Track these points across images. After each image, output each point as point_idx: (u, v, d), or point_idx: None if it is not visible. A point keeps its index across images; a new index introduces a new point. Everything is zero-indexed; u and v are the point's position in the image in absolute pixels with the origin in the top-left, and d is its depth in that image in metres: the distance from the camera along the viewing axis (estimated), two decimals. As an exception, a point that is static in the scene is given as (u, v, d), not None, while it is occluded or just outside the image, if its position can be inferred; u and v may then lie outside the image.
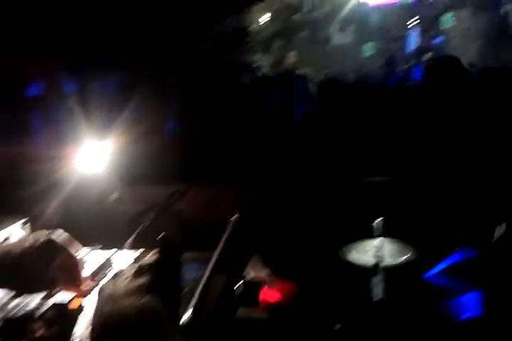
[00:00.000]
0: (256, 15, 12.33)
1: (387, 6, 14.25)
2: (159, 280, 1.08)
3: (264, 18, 12.66)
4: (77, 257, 1.43)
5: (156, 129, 2.47)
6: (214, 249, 1.57)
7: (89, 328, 1.01)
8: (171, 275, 1.13)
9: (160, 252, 1.15)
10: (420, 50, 14.45)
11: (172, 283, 1.12)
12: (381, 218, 1.74)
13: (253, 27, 12.08)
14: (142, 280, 1.07)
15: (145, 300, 1.01)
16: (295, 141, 2.67)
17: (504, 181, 1.73)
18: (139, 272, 1.10)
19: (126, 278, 1.09)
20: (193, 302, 1.20)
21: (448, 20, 14.35)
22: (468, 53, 13.12)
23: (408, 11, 14.76)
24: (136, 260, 1.50)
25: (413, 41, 14.87)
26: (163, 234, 1.18)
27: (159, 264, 1.12)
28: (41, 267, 1.32)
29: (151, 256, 1.17)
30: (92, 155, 1.96)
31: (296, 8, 13.56)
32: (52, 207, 1.95)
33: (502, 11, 11.98)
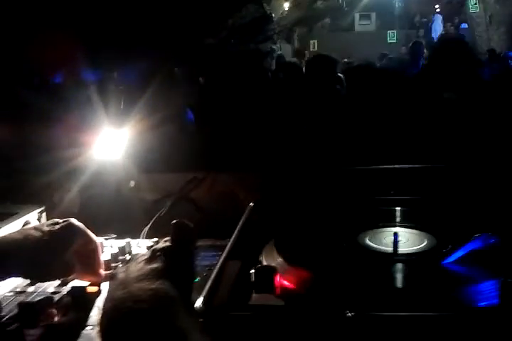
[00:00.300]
0: (276, 3, 12.23)
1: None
2: (172, 265, 1.07)
3: (286, 5, 12.56)
4: (97, 242, 1.43)
5: (174, 117, 2.48)
6: (231, 235, 1.57)
7: (101, 313, 1.00)
8: (184, 261, 1.12)
9: (173, 238, 1.15)
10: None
11: (185, 269, 1.11)
12: (404, 207, 1.72)
13: (274, 15, 11.99)
14: (154, 265, 1.06)
15: (157, 284, 1.00)
16: (315, 128, 2.66)
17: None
18: (152, 257, 1.10)
19: (138, 264, 1.09)
20: (207, 288, 1.20)
21: (473, 6, 14.10)
22: (493, 40, 12.88)
23: (432, -3, 14.54)
24: (150, 247, 1.51)
25: (437, 28, 14.65)
26: (176, 220, 1.17)
27: (172, 250, 1.11)
28: (60, 253, 1.32)
29: (164, 242, 1.16)
30: (110, 143, 1.97)
31: (317, -4, 13.42)
32: (70, 195, 1.97)
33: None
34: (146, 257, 1.12)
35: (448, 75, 2.75)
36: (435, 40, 14.34)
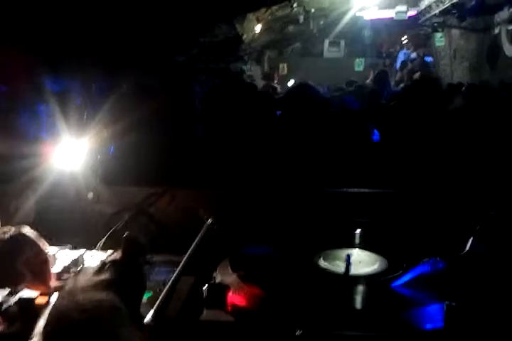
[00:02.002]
0: (249, 25, 12.38)
1: (381, 21, 14.42)
2: (120, 277, 1.07)
3: (258, 28, 12.72)
4: (48, 253, 1.42)
5: (136, 130, 2.47)
6: (186, 251, 1.57)
7: (45, 321, 0.99)
8: (132, 274, 1.12)
9: (122, 251, 1.15)
10: (410, 69, 14.63)
11: (133, 282, 1.11)
12: (359, 229, 1.75)
13: (246, 36, 12.14)
14: (102, 276, 1.06)
15: (103, 295, 1.00)
16: (275, 146, 2.68)
17: (475, 193, 1.76)
18: (101, 269, 1.10)
19: (87, 275, 1.09)
20: (158, 302, 1.20)
21: (439, 39, 14.56)
22: (456, 74, 13.31)
23: (401, 28, 14.96)
24: (108, 258, 1.50)
25: (404, 59, 15.06)
26: (127, 234, 1.18)
27: (121, 262, 1.12)
28: (9, 261, 1.30)
29: (114, 255, 1.16)
30: (70, 153, 1.96)
31: (289, 21, 13.65)
32: (27, 204, 1.94)
33: (492, 33, 12.17)
34: (94, 269, 1.12)
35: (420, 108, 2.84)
36: (397, 69, 14.76)
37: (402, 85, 9.30)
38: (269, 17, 12.69)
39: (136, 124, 2.41)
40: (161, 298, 1.22)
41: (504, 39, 11.59)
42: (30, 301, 1.31)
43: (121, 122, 2.32)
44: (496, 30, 12.01)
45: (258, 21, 12.48)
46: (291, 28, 14.11)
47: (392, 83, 10.13)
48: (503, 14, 11.58)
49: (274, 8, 12.26)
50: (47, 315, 1.01)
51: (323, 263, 1.52)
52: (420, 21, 14.70)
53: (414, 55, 14.90)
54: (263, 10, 12.01)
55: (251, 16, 11.98)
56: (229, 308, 1.23)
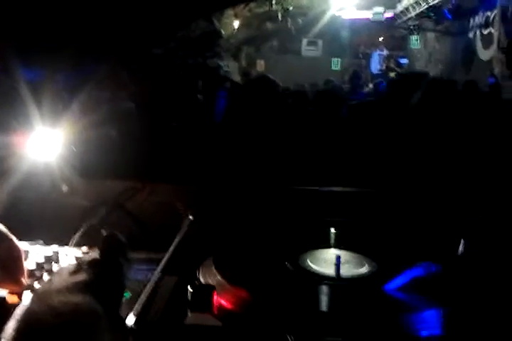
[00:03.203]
0: (227, 21, 12.30)
1: (359, 22, 14.49)
2: (98, 278, 0.99)
3: (236, 24, 12.64)
4: (21, 249, 1.32)
5: (114, 122, 2.39)
6: (167, 249, 1.49)
7: (16, 326, 0.91)
8: (111, 275, 1.04)
9: (101, 250, 1.07)
10: (385, 69, 14.75)
11: (113, 283, 1.03)
12: (337, 229, 1.70)
13: (224, 32, 12.04)
14: (79, 278, 0.98)
15: (79, 298, 0.92)
16: (254, 143, 2.63)
17: (469, 195, 1.72)
18: (77, 270, 1.01)
19: (62, 276, 1.01)
20: (139, 304, 1.12)
21: (414, 42, 14.72)
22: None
23: (378, 29, 15.06)
24: (79, 258, 1.41)
25: (379, 59, 15.17)
26: (107, 231, 1.09)
27: (100, 263, 1.03)
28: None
29: (91, 254, 1.08)
30: (45, 143, 1.86)
31: (267, 18, 13.60)
32: (-3, 196, 1.84)
33: (467, 36, 12.33)
34: (70, 269, 1.04)
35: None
36: (372, 71, 14.89)
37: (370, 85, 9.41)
38: (248, 13, 12.64)
39: (114, 115, 2.33)
40: (142, 299, 1.14)
41: (478, 43, 11.76)
42: (0, 299, 1.23)
43: (98, 113, 2.23)
44: (471, 34, 12.18)
45: (236, 17, 12.41)
46: (269, 25, 14.07)
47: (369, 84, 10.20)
48: (478, 18, 11.75)
49: (253, 4, 12.22)
50: (17, 320, 0.92)
51: (311, 264, 1.46)
52: (397, 23, 14.84)
53: (386, 55, 15.05)
54: (241, 6, 11.95)
55: (229, 12, 11.90)
56: (215, 311, 1.16)
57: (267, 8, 12.63)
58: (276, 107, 3.24)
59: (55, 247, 1.56)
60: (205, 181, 2.12)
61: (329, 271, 1.40)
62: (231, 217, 1.79)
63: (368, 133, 3.06)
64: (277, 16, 12.96)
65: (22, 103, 2.26)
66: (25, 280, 1.30)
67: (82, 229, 1.73)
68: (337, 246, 1.62)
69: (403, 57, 15.51)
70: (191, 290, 1.18)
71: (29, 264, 1.40)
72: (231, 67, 13.01)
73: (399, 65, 14.84)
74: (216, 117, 3.71)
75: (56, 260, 1.50)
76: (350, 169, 2.44)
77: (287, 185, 1.92)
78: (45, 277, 1.37)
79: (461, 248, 1.36)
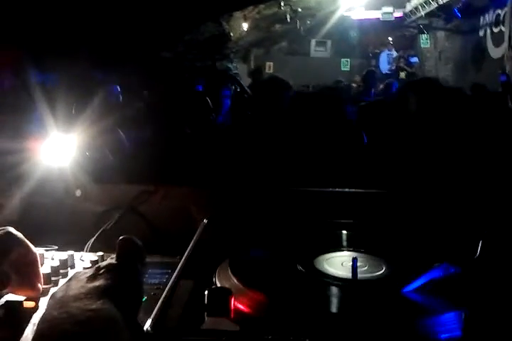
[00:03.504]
0: (235, 23, 12.32)
1: (368, 22, 14.45)
2: (116, 284, 0.98)
3: (245, 26, 12.66)
4: (36, 254, 1.32)
5: (127, 126, 2.39)
6: (182, 252, 1.49)
7: (36, 332, 0.90)
8: (130, 280, 1.03)
9: (118, 255, 1.06)
10: (395, 69, 14.70)
11: (131, 288, 1.02)
12: (353, 231, 1.69)
13: (233, 34, 12.05)
14: (97, 283, 0.97)
15: (98, 304, 0.91)
16: (266, 145, 2.63)
17: (487, 195, 1.70)
18: (95, 275, 1.00)
19: (79, 281, 1.00)
20: (156, 309, 1.11)
21: (424, 41, 14.66)
22: (441, 75, 13.39)
23: (387, 29, 15.01)
24: (95, 263, 1.41)
25: (388, 59, 15.12)
26: (123, 236, 1.09)
27: (117, 267, 1.02)
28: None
29: (109, 259, 1.07)
30: (58, 149, 1.87)
31: (276, 19, 13.61)
32: (11, 202, 1.84)
33: (477, 35, 12.26)
34: (88, 274, 1.03)
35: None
36: (382, 70, 14.83)
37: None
38: (256, 15, 12.64)
39: (127, 120, 2.33)
40: (159, 304, 1.13)
41: (489, 41, 11.69)
42: (17, 304, 1.22)
43: (111, 117, 2.24)
44: (481, 33, 12.11)
45: (245, 19, 12.41)
46: (278, 26, 14.07)
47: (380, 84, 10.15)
48: (488, 17, 11.68)
49: (262, 6, 12.22)
50: (37, 326, 0.92)
51: (325, 266, 1.45)
52: (406, 23, 14.78)
53: (395, 55, 14.99)
54: (250, 8, 11.96)
55: (238, 14, 11.91)
56: (232, 315, 1.15)
57: (275, 10, 12.63)
58: (286, 108, 3.24)
59: (70, 252, 1.56)
60: (220, 184, 2.11)
61: (346, 273, 1.39)
62: (246, 220, 1.79)
63: (378, 134, 3.04)
64: (286, 18, 12.95)
65: (35, 108, 2.27)
66: (41, 286, 1.30)
67: (96, 234, 1.74)
68: (353, 248, 1.60)
69: (413, 56, 15.45)
70: (208, 294, 1.17)
71: (44, 269, 1.40)
72: (240, 69, 13.02)
73: (409, 64, 14.79)
74: (221, 117, 3.71)
75: (72, 264, 1.50)
76: (362, 170, 2.43)
77: (300, 186, 1.91)
78: (61, 282, 1.37)
79: (480, 249, 1.34)
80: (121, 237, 1.09)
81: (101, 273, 1.00)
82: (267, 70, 14.18)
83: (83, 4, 4.98)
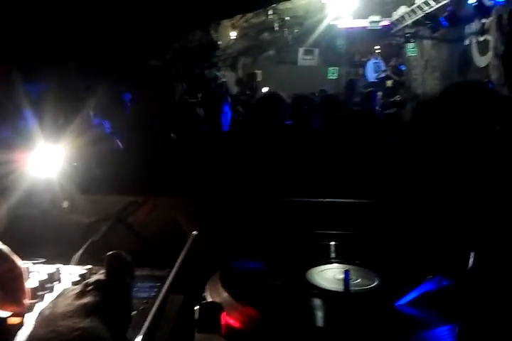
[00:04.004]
0: (223, 32, 12.35)
1: (355, 30, 14.55)
2: (105, 301, 0.96)
3: (233, 34, 12.69)
4: (22, 269, 1.29)
5: (115, 136, 2.37)
6: (171, 265, 1.46)
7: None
8: (118, 296, 1.00)
9: (107, 271, 1.03)
10: (382, 77, 14.79)
11: (120, 305, 0.99)
12: (344, 243, 1.68)
13: (221, 43, 12.08)
14: (85, 300, 0.95)
15: (86, 322, 0.88)
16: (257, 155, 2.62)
17: (479, 207, 1.70)
18: (83, 292, 0.98)
19: (67, 298, 0.97)
20: (146, 325, 1.09)
21: (411, 50, 14.78)
22: (427, 83, 13.49)
23: (374, 37, 15.12)
24: (83, 277, 1.38)
25: (375, 67, 15.22)
26: (112, 251, 1.06)
27: (106, 284, 1.00)
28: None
29: (98, 275, 1.05)
30: (46, 160, 1.84)
31: (263, 28, 13.67)
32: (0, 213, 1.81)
33: (463, 44, 12.37)
34: (76, 291, 1.00)
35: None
36: (368, 79, 14.94)
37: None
38: (245, 24, 12.68)
39: (115, 130, 2.31)
40: (149, 320, 1.11)
41: (475, 50, 11.80)
42: (1, 321, 1.19)
43: (99, 128, 2.21)
44: (467, 41, 12.22)
45: (233, 28, 12.45)
46: (266, 35, 14.13)
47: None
48: (474, 26, 11.80)
49: (250, 15, 12.26)
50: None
51: (317, 279, 1.43)
52: (393, 31, 14.91)
53: (382, 64, 15.11)
54: (238, 17, 12.00)
55: (226, 23, 11.94)
56: (223, 331, 1.13)
57: (263, 19, 12.68)
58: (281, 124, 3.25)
59: (57, 265, 1.53)
60: (209, 194, 2.09)
61: (338, 286, 1.38)
62: (237, 231, 1.77)
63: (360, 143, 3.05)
64: (274, 26, 13.01)
65: (23, 119, 2.24)
66: (27, 301, 1.27)
67: (84, 246, 1.71)
68: (345, 260, 1.59)
69: (401, 64, 15.56)
70: (198, 310, 1.15)
71: (31, 283, 1.37)
72: (228, 78, 13.04)
73: (398, 72, 14.89)
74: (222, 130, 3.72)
75: (59, 278, 1.47)
76: (351, 180, 2.42)
77: (290, 197, 1.89)
78: (47, 296, 1.35)
79: (472, 261, 1.33)
80: (109, 252, 1.07)
81: (89, 290, 0.98)
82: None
83: (71, 13, 4.96)
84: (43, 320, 0.92)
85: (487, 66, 10.55)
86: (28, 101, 2.34)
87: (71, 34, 4.60)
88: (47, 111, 2.27)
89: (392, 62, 15.33)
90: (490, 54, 10.34)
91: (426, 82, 14.02)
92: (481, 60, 11.39)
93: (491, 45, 10.25)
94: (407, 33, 14.34)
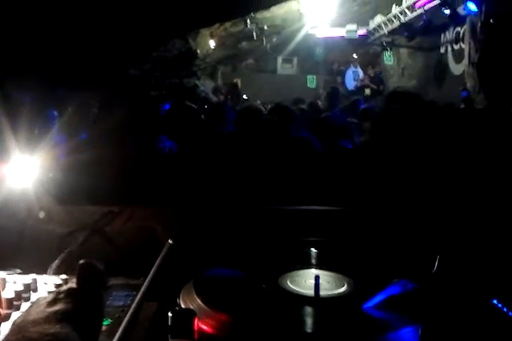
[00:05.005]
0: (202, 40, 12.39)
1: (332, 39, 14.71)
2: (76, 308, 0.98)
3: (211, 43, 12.74)
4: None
5: (90, 146, 2.39)
6: (147, 274, 1.49)
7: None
8: (90, 304, 1.03)
9: (78, 280, 1.06)
10: (360, 85, 14.95)
11: (91, 312, 1.02)
12: (322, 249, 1.72)
13: (200, 52, 12.12)
14: (56, 307, 0.98)
15: (56, 328, 0.91)
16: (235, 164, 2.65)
17: (443, 212, 1.75)
18: (55, 300, 1.01)
19: (39, 306, 1.00)
20: (119, 332, 1.11)
21: (387, 58, 14.99)
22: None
23: (352, 46, 15.31)
24: (59, 287, 1.40)
25: (354, 76, 15.39)
26: (83, 260, 1.09)
27: (77, 292, 1.03)
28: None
29: (69, 284, 1.08)
30: (21, 170, 1.86)
31: (242, 37, 13.75)
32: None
33: (439, 52, 12.58)
34: (48, 299, 1.03)
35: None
36: (347, 86, 15.09)
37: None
38: (223, 33, 12.75)
39: (90, 140, 2.33)
40: (122, 327, 1.14)
41: (450, 58, 12.02)
42: (-24, 331, 1.21)
43: (74, 137, 2.23)
44: (443, 50, 12.45)
45: (212, 37, 12.51)
46: (244, 44, 14.21)
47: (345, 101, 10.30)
48: (449, 34, 12.03)
49: (228, 24, 12.34)
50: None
51: (290, 284, 1.47)
52: (370, 40, 15.11)
53: (360, 72, 15.29)
54: (217, 25, 12.06)
55: (205, 31, 12.00)
56: (196, 336, 1.16)
57: (242, 28, 12.77)
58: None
59: (33, 275, 1.55)
60: (185, 203, 2.12)
61: (308, 291, 1.42)
62: (210, 240, 1.80)
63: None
64: (252, 35, 13.09)
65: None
66: (2, 311, 1.29)
67: (60, 256, 1.72)
68: (316, 266, 1.63)
69: (379, 73, 15.76)
70: (171, 316, 1.18)
71: (6, 293, 1.38)
72: (207, 86, 13.08)
73: (376, 81, 15.07)
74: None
75: (35, 288, 1.49)
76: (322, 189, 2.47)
77: (263, 204, 1.93)
78: (24, 306, 1.36)
79: (436, 265, 1.38)
80: (80, 261, 1.10)
81: (60, 298, 1.00)
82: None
83: (50, 22, 4.96)
84: (14, 327, 0.95)
85: (463, 74, 10.74)
86: (3, 112, 2.36)
87: (47, 44, 4.60)
88: (22, 122, 2.29)
89: (370, 71, 15.51)
90: (465, 62, 10.53)
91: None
92: (456, 68, 11.61)
93: (466, 53, 10.45)
94: (384, 42, 14.55)
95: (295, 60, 16.19)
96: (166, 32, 9.31)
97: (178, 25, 9.17)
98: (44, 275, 1.59)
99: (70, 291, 1.03)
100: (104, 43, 6.67)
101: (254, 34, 13.05)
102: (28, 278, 1.49)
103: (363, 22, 14.17)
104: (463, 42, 10.94)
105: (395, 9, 12.58)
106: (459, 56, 11.38)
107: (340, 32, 14.15)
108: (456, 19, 10.92)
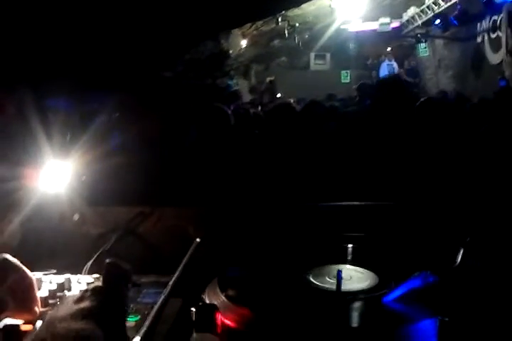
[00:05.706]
0: (234, 40, 12.45)
1: (365, 33, 14.55)
2: (100, 305, 1.04)
3: (244, 43, 12.79)
4: (32, 278, 1.38)
5: (121, 150, 2.45)
6: (175, 272, 1.54)
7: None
8: (114, 301, 1.09)
9: (103, 278, 1.12)
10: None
11: (115, 309, 1.08)
12: (348, 244, 1.73)
13: (232, 51, 12.19)
14: (82, 305, 1.03)
15: (81, 324, 0.97)
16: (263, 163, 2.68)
17: (467, 205, 1.74)
18: (81, 297, 1.07)
19: (67, 304, 1.06)
20: (145, 327, 1.16)
21: (422, 50, 14.73)
22: (441, 82, 13.41)
23: (385, 39, 15.10)
24: (89, 285, 1.46)
25: (389, 69, 15.18)
26: (109, 260, 1.15)
27: (102, 290, 1.09)
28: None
29: (96, 282, 1.14)
30: (54, 175, 1.93)
31: (274, 35, 13.74)
32: (10, 228, 1.90)
33: (475, 41, 12.31)
34: (76, 297, 1.09)
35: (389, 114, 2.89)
36: (383, 81, 14.86)
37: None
38: (255, 32, 12.77)
39: (121, 144, 2.39)
40: (147, 322, 1.19)
41: (487, 47, 11.73)
42: (15, 327, 1.28)
43: (106, 142, 2.30)
44: (479, 39, 12.16)
45: (243, 36, 12.55)
46: (276, 42, 14.20)
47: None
48: (485, 23, 11.74)
49: (259, 23, 12.34)
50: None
51: (313, 280, 1.49)
52: (403, 32, 14.88)
53: (395, 65, 15.07)
54: (248, 25, 12.08)
55: (236, 31, 12.05)
56: (219, 331, 1.20)
57: (273, 26, 12.76)
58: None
59: (67, 275, 1.61)
60: (213, 202, 2.16)
61: (331, 286, 1.44)
62: (236, 239, 1.84)
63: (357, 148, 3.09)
64: (284, 33, 13.06)
65: (32, 136, 2.33)
66: (38, 309, 1.35)
67: (94, 256, 1.79)
68: (339, 260, 1.65)
69: (414, 65, 15.51)
70: (195, 311, 1.22)
71: (42, 292, 1.45)
72: (241, 85, 13.14)
73: (412, 73, 14.84)
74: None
75: (69, 287, 1.56)
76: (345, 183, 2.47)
77: (285, 203, 1.96)
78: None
79: (458, 258, 1.38)
80: (107, 261, 1.15)
81: (86, 296, 1.06)
82: (268, 85, 14.28)
83: (81, 26, 5.06)
84: (44, 323, 1.01)
85: (500, 63, 10.48)
86: (37, 117, 2.44)
87: (80, 48, 4.69)
88: (55, 127, 2.37)
89: (406, 64, 15.27)
90: (502, 50, 10.27)
91: (440, 81, 13.96)
92: (494, 57, 11.32)
93: (503, 41, 10.19)
94: (418, 34, 14.30)
95: (328, 56, 16.07)
96: (197, 34, 9.38)
97: (209, 26, 9.23)
98: (78, 274, 1.66)
99: (95, 289, 1.09)
100: (137, 46, 6.77)
101: (286, 32, 13.01)
102: (62, 278, 1.56)
103: (395, 14, 13.96)
104: (500, 31, 10.66)
105: (429, 0, 12.35)
106: (496, 45, 11.10)
107: (373, 25, 13.99)
108: (492, 7, 10.65)
